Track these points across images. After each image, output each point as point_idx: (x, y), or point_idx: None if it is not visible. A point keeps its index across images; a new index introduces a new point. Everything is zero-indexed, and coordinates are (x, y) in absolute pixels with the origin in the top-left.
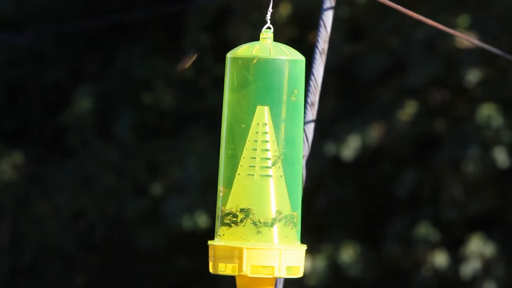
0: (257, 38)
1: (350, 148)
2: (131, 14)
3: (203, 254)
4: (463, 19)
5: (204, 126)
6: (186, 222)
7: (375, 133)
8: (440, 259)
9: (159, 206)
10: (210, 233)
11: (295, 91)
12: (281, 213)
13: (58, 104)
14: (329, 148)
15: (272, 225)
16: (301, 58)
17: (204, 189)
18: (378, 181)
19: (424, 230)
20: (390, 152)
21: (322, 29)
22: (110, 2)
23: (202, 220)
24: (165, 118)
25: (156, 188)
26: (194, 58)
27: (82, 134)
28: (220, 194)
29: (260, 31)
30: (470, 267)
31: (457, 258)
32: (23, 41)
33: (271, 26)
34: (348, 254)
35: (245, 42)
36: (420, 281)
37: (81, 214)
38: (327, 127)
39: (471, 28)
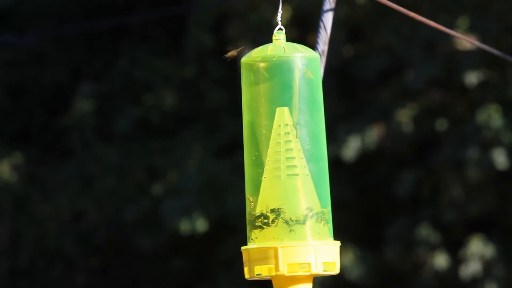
0: (258, 39)
1: (350, 149)
2: (132, 16)
3: (203, 255)
4: (463, 20)
5: (204, 127)
6: (185, 224)
7: (375, 134)
8: (441, 260)
9: (159, 208)
10: (210, 235)
11: (305, 68)
12: (312, 210)
13: (59, 105)
14: (329, 149)
15: (304, 222)
16: (315, 55)
17: (203, 191)
18: (378, 182)
19: (425, 231)
20: (390, 153)
21: (322, 31)
22: (112, 3)
23: (201, 222)
24: (165, 120)
25: (156, 190)
26: (239, 50)
27: (82, 136)
28: (251, 204)
29: (260, 32)
30: (470, 269)
31: (457, 260)
32: (24, 42)
33: (282, 27)
34: (348, 257)
35: (245, 43)
36: (421, 282)
37: (81, 215)
38: (327, 128)
39: (471, 29)
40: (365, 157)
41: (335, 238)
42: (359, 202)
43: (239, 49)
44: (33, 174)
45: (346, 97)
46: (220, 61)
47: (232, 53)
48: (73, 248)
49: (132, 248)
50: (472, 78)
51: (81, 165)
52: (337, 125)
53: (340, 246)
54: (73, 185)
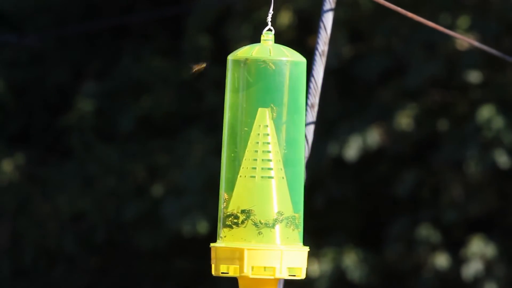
0: (257, 40)
1: (351, 149)
2: (133, 16)
3: (203, 255)
4: (463, 20)
5: (203, 127)
6: (186, 224)
7: (375, 134)
8: (441, 260)
9: (159, 208)
10: (210, 235)
11: (270, 64)
12: (282, 214)
13: (60, 105)
14: (330, 149)
15: (273, 226)
16: (302, 60)
17: (204, 191)
18: (379, 182)
19: (425, 231)
20: (390, 153)
21: (322, 31)
22: (112, 4)
23: (201, 221)
24: (166, 120)
25: (156, 190)
26: (203, 66)
27: (83, 135)
28: (223, 203)
29: (260, 33)
30: (471, 269)
31: (458, 260)
32: (25, 42)
33: (272, 28)
34: (350, 258)
35: (245, 44)
36: (422, 283)
37: (81, 215)
38: (328, 128)
39: (471, 29)
40: (366, 157)
41: (334, 237)
42: (359, 202)
43: (204, 64)
44: (34, 174)
45: (346, 97)
46: (221, 61)
47: (198, 67)
48: (74, 248)
49: (133, 248)
50: (472, 78)
51: (82, 165)
52: (338, 125)
53: (341, 247)
54: (73, 185)
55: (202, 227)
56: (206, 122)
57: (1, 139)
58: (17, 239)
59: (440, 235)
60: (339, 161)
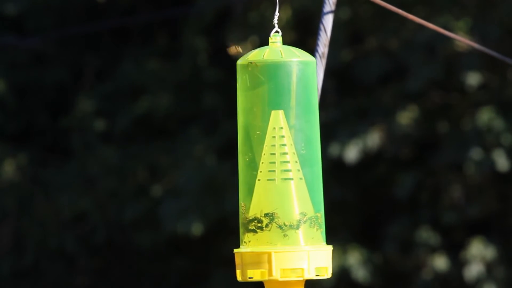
0: (257, 42)
1: (352, 151)
2: (132, 18)
3: (202, 255)
4: (464, 23)
5: (204, 128)
6: (185, 224)
7: (376, 136)
8: (441, 262)
9: (159, 209)
10: (209, 235)
11: (253, 64)
12: (305, 215)
13: (61, 107)
14: (330, 151)
15: (297, 227)
16: (312, 59)
17: (203, 192)
18: (379, 183)
19: (425, 233)
20: (390, 155)
21: (322, 33)
22: (112, 6)
23: (200, 221)
24: (165, 121)
25: (156, 190)
26: (239, 50)
27: (84, 136)
28: (243, 207)
29: (259, 34)
30: (471, 271)
31: (458, 262)
32: (26, 44)
33: (279, 30)
34: (351, 257)
35: (244, 46)
36: (421, 284)
37: (82, 215)
38: (328, 130)
39: (472, 31)
40: (367, 159)
41: (335, 238)
42: (360, 204)
43: (240, 48)
44: (35, 175)
45: (346, 99)
46: (219, 62)
47: (234, 49)
48: (75, 248)
49: (133, 248)
50: (472, 80)
51: (82, 165)
52: (338, 127)
53: (341, 247)
54: (74, 186)
55: (202, 227)
56: (207, 124)
57: (2, 140)
58: (18, 239)
59: (440, 237)
60: (339, 163)
